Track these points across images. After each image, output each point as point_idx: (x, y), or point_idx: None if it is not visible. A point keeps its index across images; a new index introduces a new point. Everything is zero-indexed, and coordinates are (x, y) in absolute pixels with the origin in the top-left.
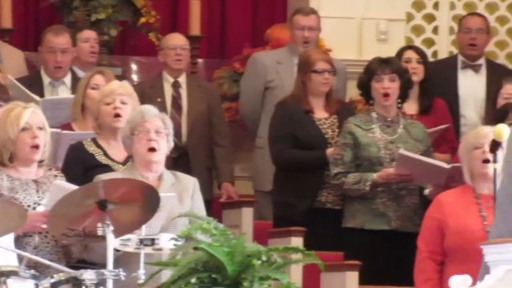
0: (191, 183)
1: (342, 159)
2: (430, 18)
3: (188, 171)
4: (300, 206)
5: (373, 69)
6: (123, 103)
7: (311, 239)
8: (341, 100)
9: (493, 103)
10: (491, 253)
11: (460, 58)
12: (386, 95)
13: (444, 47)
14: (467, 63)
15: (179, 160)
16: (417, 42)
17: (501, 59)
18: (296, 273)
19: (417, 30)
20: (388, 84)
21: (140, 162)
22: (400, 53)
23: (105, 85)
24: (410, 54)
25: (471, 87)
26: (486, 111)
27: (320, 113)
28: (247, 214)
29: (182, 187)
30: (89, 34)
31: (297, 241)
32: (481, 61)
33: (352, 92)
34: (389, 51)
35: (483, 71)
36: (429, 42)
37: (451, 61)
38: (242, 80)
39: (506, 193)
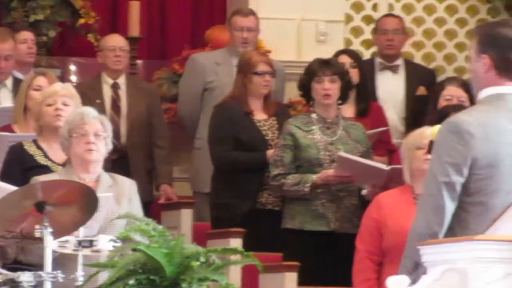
0: (128, 184)
1: (282, 161)
2: (369, 19)
3: (127, 172)
4: (240, 207)
5: (314, 70)
6: (65, 104)
7: (251, 240)
8: (278, 102)
9: (434, 104)
10: (428, 253)
11: (378, 60)
12: (326, 96)
13: None
14: (385, 65)
15: (118, 162)
16: (356, 43)
17: (418, 60)
18: (234, 274)
19: (356, 31)
20: (329, 85)
21: (78, 163)
22: (335, 57)
23: (48, 87)
24: (344, 58)
25: (390, 88)
26: (428, 112)
27: (259, 115)
28: (186, 216)
29: (119, 189)
30: (26, 35)
31: (236, 243)
32: (399, 61)
33: (291, 93)
34: (328, 53)
35: (402, 72)
36: (368, 43)
37: (369, 63)
38: (181, 81)
39: (425, 189)
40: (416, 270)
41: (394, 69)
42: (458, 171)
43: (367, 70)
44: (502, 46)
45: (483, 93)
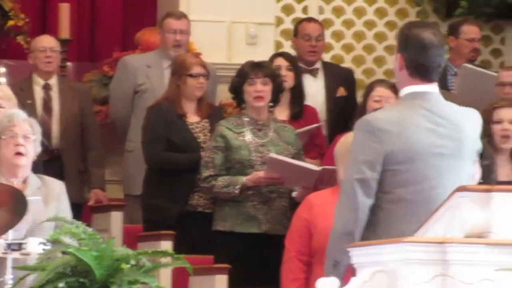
0: (57, 186)
1: (212, 162)
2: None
3: (60, 174)
4: (171, 209)
5: (246, 73)
6: (0, 106)
7: (182, 243)
8: (211, 104)
9: (363, 106)
10: (357, 255)
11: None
12: (258, 98)
13: None
14: (305, 69)
15: (51, 163)
16: (287, 46)
17: (348, 62)
18: (165, 277)
19: (287, 34)
20: (261, 88)
21: (6, 166)
22: (271, 59)
23: None
24: (280, 61)
25: (311, 91)
26: (357, 113)
27: (192, 117)
28: (116, 218)
29: (48, 191)
30: None
31: (167, 245)
32: (318, 65)
33: (222, 95)
34: (258, 55)
35: (321, 75)
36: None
37: (294, 65)
38: (112, 83)
39: (341, 189)
40: (335, 269)
41: (313, 73)
42: (372, 167)
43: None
44: (412, 48)
45: (402, 92)
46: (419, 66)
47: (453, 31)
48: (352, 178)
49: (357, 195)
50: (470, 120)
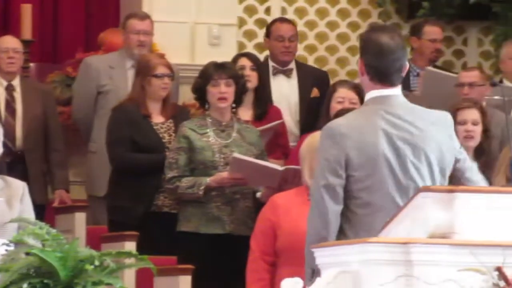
0: (20, 187)
1: (176, 163)
2: (262, 23)
3: (24, 175)
4: (136, 210)
5: (210, 74)
6: None
7: (147, 243)
8: (176, 104)
9: (327, 107)
10: (321, 256)
11: (271, 64)
12: (222, 99)
13: None
14: (278, 69)
15: (14, 165)
16: (249, 47)
17: (311, 63)
18: (129, 278)
19: (249, 35)
20: (225, 89)
21: None
22: (234, 60)
23: None
24: (244, 61)
25: (284, 92)
26: (321, 114)
27: (157, 118)
28: (80, 219)
29: (11, 192)
30: None
31: (131, 246)
32: (292, 65)
33: (184, 96)
34: (221, 56)
35: (294, 75)
36: (261, 47)
37: (262, 67)
38: (75, 84)
39: (311, 195)
40: (314, 276)
41: (287, 73)
42: (335, 173)
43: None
44: (370, 53)
45: (366, 96)
46: (377, 71)
47: (415, 32)
48: (319, 185)
49: (324, 201)
50: (438, 124)
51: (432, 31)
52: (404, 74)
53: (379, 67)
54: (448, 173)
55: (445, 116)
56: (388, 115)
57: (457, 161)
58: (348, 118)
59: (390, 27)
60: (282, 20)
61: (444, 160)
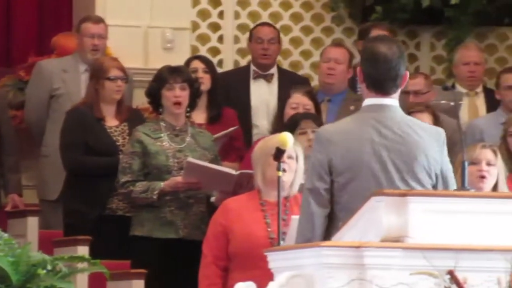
0: None
1: (130, 168)
2: (215, 27)
3: None
4: (90, 214)
5: (164, 78)
6: None
7: (101, 247)
8: (130, 107)
9: (281, 112)
10: (275, 259)
11: (253, 68)
12: (177, 103)
13: (229, 56)
14: (259, 73)
15: None
16: (203, 50)
17: (285, 68)
18: (81, 282)
19: (203, 39)
20: (179, 93)
21: None
22: (187, 63)
23: None
24: (196, 64)
25: (264, 97)
26: (275, 119)
27: (111, 121)
28: (32, 224)
29: None
30: None
31: (83, 250)
32: (273, 70)
33: (138, 100)
34: (175, 60)
35: (275, 80)
36: (215, 51)
37: (243, 71)
38: (28, 88)
39: (301, 199)
40: None
41: (268, 78)
42: (320, 177)
43: (240, 77)
44: (366, 62)
45: (363, 103)
46: (373, 79)
47: (363, 36)
48: (306, 188)
49: (310, 204)
50: (430, 138)
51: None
52: (402, 84)
53: (374, 75)
54: (433, 184)
55: (439, 132)
56: (379, 124)
57: (442, 176)
58: (339, 124)
59: (391, 38)
60: (263, 23)
61: (431, 173)
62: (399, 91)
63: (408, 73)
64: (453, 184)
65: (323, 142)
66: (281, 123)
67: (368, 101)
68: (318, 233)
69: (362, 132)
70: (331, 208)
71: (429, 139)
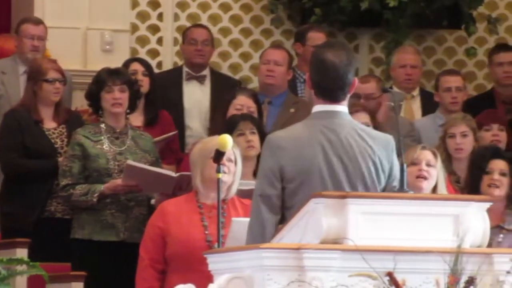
0: None
1: (70, 171)
2: (154, 29)
3: None
4: (29, 216)
5: (103, 80)
6: None
7: (41, 250)
8: (69, 109)
9: (223, 114)
10: (214, 262)
11: (185, 70)
12: (117, 104)
13: (168, 58)
14: (192, 75)
15: None
16: (142, 53)
17: (225, 70)
18: (20, 285)
19: (142, 40)
20: (119, 95)
21: None
22: (126, 65)
23: None
24: (136, 66)
25: (196, 98)
26: (214, 121)
27: (49, 123)
28: None
29: None
30: None
31: (22, 253)
32: (206, 72)
33: (77, 102)
34: (114, 62)
35: (208, 82)
36: (154, 53)
37: (176, 72)
38: None
39: (251, 205)
40: None
41: (200, 80)
42: (270, 183)
43: (173, 78)
44: (314, 69)
45: (313, 109)
46: (320, 87)
47: (300, 38)
48: (256, 195)
49: (261, 211)
50: (379, 145)
51: (316, 37)
52: (350, 91)
53: (322, 83)
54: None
55: (388, 139)
56: (328, 130)
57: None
58: (289, 130)
59: (341, 43)
60: (196, 25)
61: (380, 179)
62: (348, 97)
63: (356, 79)
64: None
65: (274, 148)
66: (221, 123)
67: (318, 108)
68: (268, 239)
69: (312, 138)
70: (282, 214)
71: (377, 146)
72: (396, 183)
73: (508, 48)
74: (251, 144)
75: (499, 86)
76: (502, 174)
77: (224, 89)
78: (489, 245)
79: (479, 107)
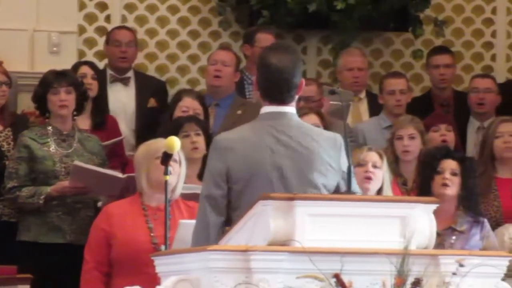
0: None
1: (16, 173)
2: (102, 30)
3: None
4: None
5: (50, 82)
6: None
7: None
8: (14, 112)
9: (170, 115)
10: (161, 264)
11: (109, 72)
12: (63, 106)
13: None
14: (116, 77)
15: None
16: (90, 54)
17: (151, 71)
18: None
19: (89, 42)
20: (65, 97)
21: None
22: (75, 68)
23: None
24: (85, 69)
25: (122, 100)
26: (161, 123)
27: None
28: None
29: None
30: None
31: None
32: (130, 74)
33: (24, 104)
34: (61, 64)
35: (132, 84)
36: (101, 55)
37: (100, 75)
38: None
39: (198, 207)
40: None
41: (125, 82)
42: (217, 185)
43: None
44: (259, 71)
45: (261, 111)
46: (266, 89)
47: (248, 39)
48: (202, 196)
49: (206, 212)
50: (327, 144)
51: (264, 38)
52: (298, 92)
53: (267, 86)
54: (330, 190)
55: (335, 137)
56: (275, 131)
57: (350, 168)
58: (237, 132)
59: (286, 46)
60: (120, 27)
61: (329, 179)
62: (295, 98)
63: (304, 81)
64: (355, 185)
65: (221, 150)
66: (167, 126)
67: (266, 109)
68: (213, 240)
69: (260, 139)
70: (229, 215)
71: (325, 145)
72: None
73: (445, 51)
74: (196, 146)
75: (435, 88)
76: (453, 173)
77: (149, 90)
78: (442, 246)
79: (418, 109)
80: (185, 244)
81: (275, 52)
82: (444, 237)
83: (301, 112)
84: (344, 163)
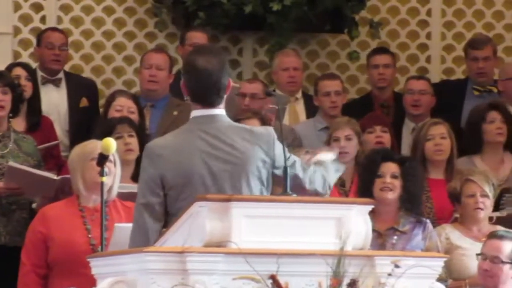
0: None
1: None
2: (37, 32)
3: None
4: None
5: None
6: None
7: None
8: None
9: (104, 115)
10: (97, 266)
11: (40, 74)
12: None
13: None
14: (47, 78)
15: None
16: (25, 55)
17: (87, 73)
18: None
19: (25, 44)
20: (1, 97)
21: None
22: (9, 69)
23: None
24: (19, 71)
25: (54, 101)
26: (94, 123)
27: None
28: None
29: None
30: None
31: None
32: (61, 75)
33: None
34: None
35: (63, 85)
36: (36, 57)
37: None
38: None
39: (134, 213)
40: None
41: (56, 83)
42: (153, 192)
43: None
44: (187, 74)
45: (191, 115)
46: (194, 92)
47: (181, 40)
48: (139, 203)
49: (144, 219)
50: (259, 141)
51: (193, 36)
52: (226, 93)
53: (195, 89)
54: (269, 190)
55: (268, 132)
56: (207, 135)
57: (287, 169)
58: (168, 138)
59: (212, 49)
60: (53, 29)
61: (263, 177)
62: (224, 100)
63: (231, 80)
64: (299, 170)
65: (153, 157)
66: (105, 125)
67: (195, 113)
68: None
69: (191, 144)
70: (166, 220)
71: (258, 142)
72: (297, 168)
73: (383, 51)
74: (129, 147)
75: (375, 89)
76: (394, 176)
77: (80, 90)
78: (383, 246)
79: (358, 110)
80: (120, 248)
81: (201, 55)
82: (386, 237)
83: (243, 116)
84: (279, 155)
